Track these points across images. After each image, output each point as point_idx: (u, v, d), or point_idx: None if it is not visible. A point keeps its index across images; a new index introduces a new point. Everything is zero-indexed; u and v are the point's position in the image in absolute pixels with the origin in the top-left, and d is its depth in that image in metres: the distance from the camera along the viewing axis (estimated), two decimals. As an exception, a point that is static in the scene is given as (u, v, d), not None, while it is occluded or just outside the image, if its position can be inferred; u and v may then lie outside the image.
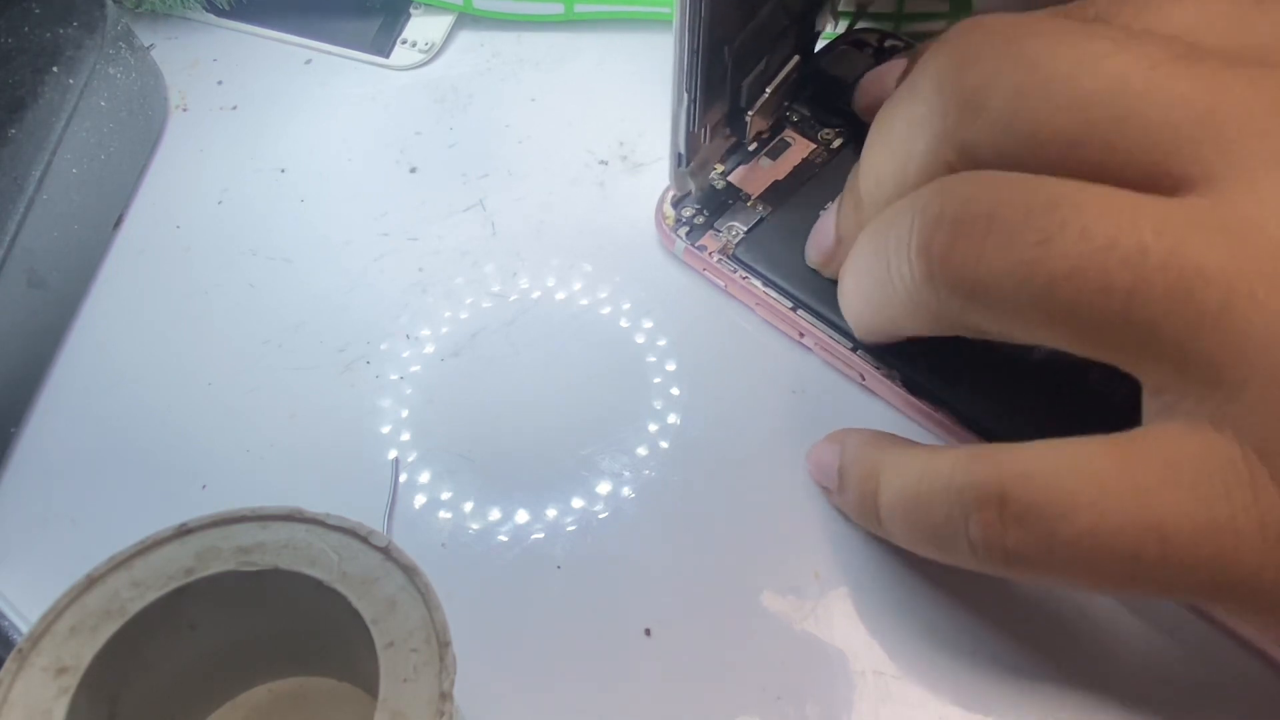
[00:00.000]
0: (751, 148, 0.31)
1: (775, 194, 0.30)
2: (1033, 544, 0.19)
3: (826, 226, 0.27)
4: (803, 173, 0.30)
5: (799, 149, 0.31)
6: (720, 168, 0.30)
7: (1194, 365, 0.18)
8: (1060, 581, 0.20)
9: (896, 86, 0.23)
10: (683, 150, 0.27)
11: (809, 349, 0.28)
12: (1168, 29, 0.21)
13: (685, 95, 0.25)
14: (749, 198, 0.30)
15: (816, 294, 0.28)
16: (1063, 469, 0.19)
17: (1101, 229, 0.18)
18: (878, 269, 0.22)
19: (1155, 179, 0.19)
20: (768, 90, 0.29)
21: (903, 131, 0.22)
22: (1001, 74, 0.20)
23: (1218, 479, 0.18)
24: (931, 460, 0.22)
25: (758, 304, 0.29)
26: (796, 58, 0.30)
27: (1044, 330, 0.20)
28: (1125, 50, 0.19)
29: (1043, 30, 0.20)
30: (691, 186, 0.29)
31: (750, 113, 0.28)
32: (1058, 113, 0.19)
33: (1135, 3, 0.22)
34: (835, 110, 0.31)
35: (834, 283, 0.26)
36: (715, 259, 0.29)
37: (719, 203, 0.30)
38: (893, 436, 0.24)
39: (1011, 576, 0.23)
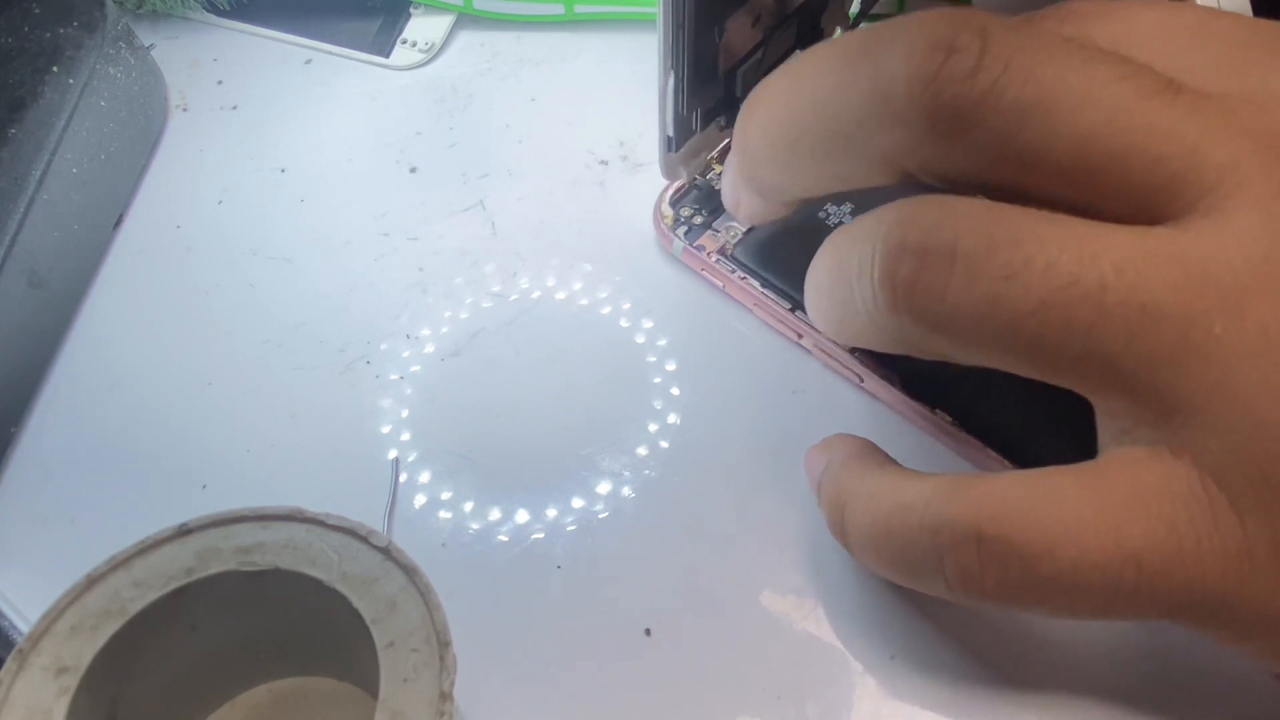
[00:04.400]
0: (751, 148, 0.31)
1: (775, 194, 0.30)
2: (1012, 582, 0.19)
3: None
4: (802, 173, 0.30)
5: (799, 149, 0.31)
6: (719, 167, 0.30)
7: (1151, 396, 0.18)
8: (1036, 612, 0.20)
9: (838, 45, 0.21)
10: (671, 133, 0.27)
11: (807, 350, 0.28)
12: (1134, 35, 0.21)
13: (671, 73, 0.25)
14: (749, 198, 0.30)
15: None
16: (1038, 505, 0.19)
17: (1064, 265, 0.18)
18: (839, 290, 0.21)
19: (1135, 213, 0.19)
20: None
21: (857, 116, 0.20)
22: (1006, 91, 0.19)
23: (1180, 506, 0.18)
24: (902, 493, 0.21)
25: (756, 304, 0.29)
26: (798, 52, 0.30)
27: (1005, 359, 0.20)
28: (1124, 79, 0.19)
29: (1045, 49, 0.19)
30: (683, 174, 0.29)
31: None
32: (1058, 143, 0.19)
33: (1104, 11, 0.22)
34: None
35: None
36: (714, 259, 0.29)
37: (718, 202, 0.30)
38: (871, 457, 0.24)
39: (986, 609, 0.23)
